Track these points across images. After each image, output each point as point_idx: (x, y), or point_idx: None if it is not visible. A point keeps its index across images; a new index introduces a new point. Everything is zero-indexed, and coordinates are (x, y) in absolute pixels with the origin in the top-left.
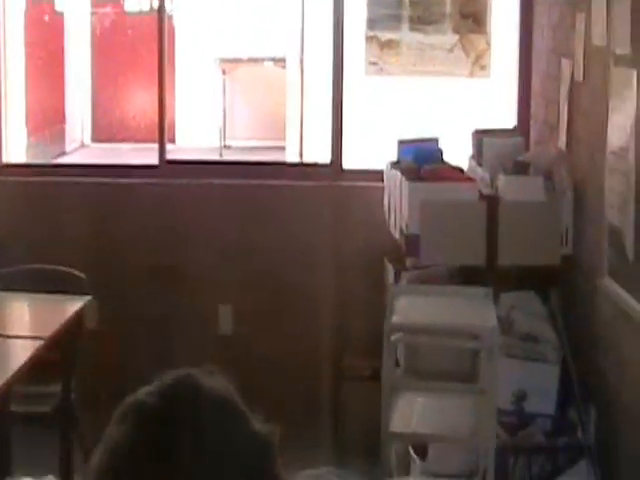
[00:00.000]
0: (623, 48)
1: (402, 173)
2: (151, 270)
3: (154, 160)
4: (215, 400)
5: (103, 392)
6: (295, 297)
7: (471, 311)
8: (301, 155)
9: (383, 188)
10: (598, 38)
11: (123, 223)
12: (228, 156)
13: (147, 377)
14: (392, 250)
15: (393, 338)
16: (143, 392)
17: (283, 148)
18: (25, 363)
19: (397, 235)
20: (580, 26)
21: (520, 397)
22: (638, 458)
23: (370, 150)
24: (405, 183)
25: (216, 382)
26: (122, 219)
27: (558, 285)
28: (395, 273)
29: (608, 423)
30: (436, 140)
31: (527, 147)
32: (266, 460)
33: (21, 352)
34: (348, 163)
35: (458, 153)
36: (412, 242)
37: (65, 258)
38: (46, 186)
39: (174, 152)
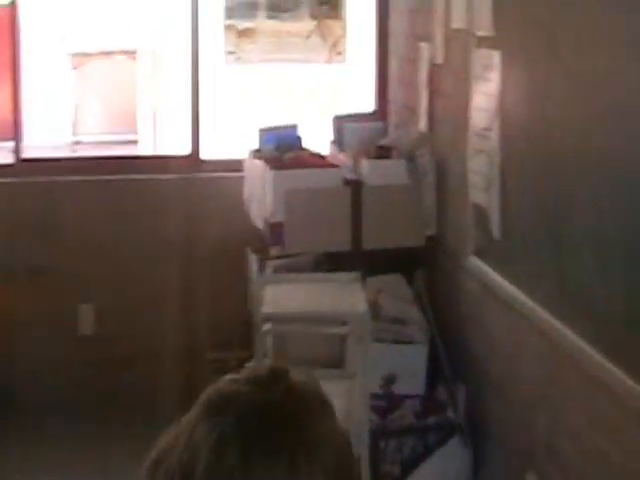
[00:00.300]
0: (485, 30)
1: (265, 162)
2: (8, 269)
3: (8, 159)
4: (311, 393)
5: None
6: (157, 292)
7: (341, 297)
8: (156, 148)
9: (243, 178)
10: (458, 21)
11: None
12: (81, 152)
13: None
14: (254, 240)
15: (265, 328)
16: (233, 381)
17: (136, 142)
18: None
19: (260, 224)
20: (439, 10)
21: (389, 380)
22: (507, 433)
23: (230, 140)
24: (269, 172)
25: (304, 375)
26: None
27: (423, 266)
28: (259, 263)
29: (477, 400)
30: (295, 127)
31: (386, 131)
32: (351, 456)
33: None
34: (208, 154)
35: (318, 139)
36: (276, 230)
37: None
38: None
39: (23, 150)
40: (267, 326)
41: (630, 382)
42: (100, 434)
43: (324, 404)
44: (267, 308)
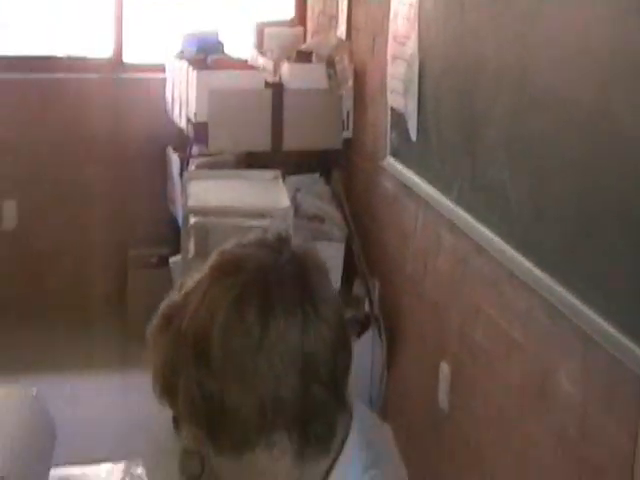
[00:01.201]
0: None
1: (188, 63)
2: None
3: None
4: (313, 258)
5: None
6: (79, 190)
7: (264, 193)
8: (78, 49)
9: (165, 80)
10: None
11: None
12: None
13: None
14: (175, 140)
15: (192, 222)
16: (241, 245)
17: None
18: None
19: (183, 124)
20: None
21: None
22: (421, 326)
23: (153, 44)
24: (193, 72)
25: (305, 244)
26: None
27: (340, 167)
28: (181, 161)
29: (393, 295)
30: (216, 33)
31: (305, 37)
32: (344, 318)
33: None
34: (130, 57)
35: (239, 45)
36: (200, 130)
37: None
38: None
39: None
40: (194, 219)
41: (537, 271)
42: (23, 327)
43: (324, 269)
44: (193, 202)
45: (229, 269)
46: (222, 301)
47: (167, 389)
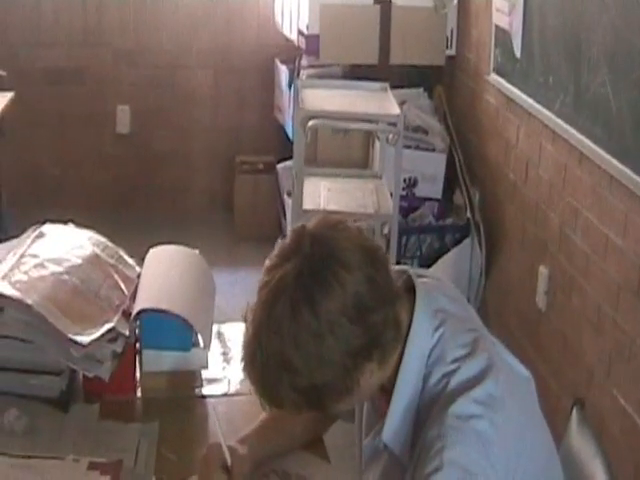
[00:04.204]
0: None
1: None
2: (49, 71)
3: None
4: (328, 234)
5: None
6: (190, 97)
7: (374, 102)
8: None
9: None
10: None
11: (18, 22)
12: None
13: (50, 176)
14: (283, 52)
15: (311, 124)
16: (274, 267)
17: None
18: None
19: (293, 36)
20: None
21: (411, 183)
22: (521, 232)
23: None
24: None
25: (318, 220)
26: (16, 16)
27: (443, 83)
28: (290, 72)
29: (493, 204)
30: None
31: None
32: (371, 242)
33: None
34: None
35: None
36: (312, 42)
37: None
38: None
39: None
40: (312, 122)
41: (636, 176)
42: (133, 225)
43: (338, 229)
44: (310, 105)
45: (271, 298)
46: (283, 328)
47: (273, 404)
